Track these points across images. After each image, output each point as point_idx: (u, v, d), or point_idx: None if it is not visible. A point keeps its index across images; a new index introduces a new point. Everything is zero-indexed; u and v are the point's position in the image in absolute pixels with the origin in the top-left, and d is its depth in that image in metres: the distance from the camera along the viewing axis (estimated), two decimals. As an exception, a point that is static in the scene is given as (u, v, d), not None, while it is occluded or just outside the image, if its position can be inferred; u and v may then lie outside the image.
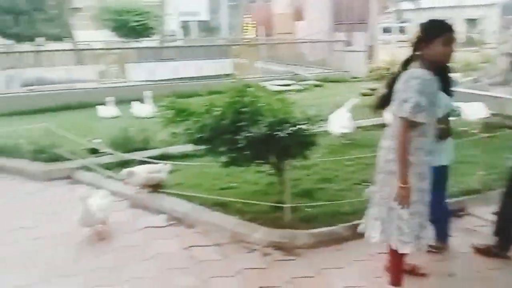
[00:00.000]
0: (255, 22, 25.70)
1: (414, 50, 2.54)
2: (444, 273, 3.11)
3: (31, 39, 19.37)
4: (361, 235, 2.91)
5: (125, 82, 10.75)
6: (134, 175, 4.39)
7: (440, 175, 2.97)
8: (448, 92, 2.95)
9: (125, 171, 4.42)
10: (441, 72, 2.68)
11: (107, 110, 8.57)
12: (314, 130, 3.61)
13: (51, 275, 3.28)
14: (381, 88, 3.32)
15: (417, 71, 2.45)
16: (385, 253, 2.88)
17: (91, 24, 22.94)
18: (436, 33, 2.46)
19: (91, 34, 21.70)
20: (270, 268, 3.27)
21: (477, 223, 3.82)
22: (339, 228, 3.62)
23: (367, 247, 3.15)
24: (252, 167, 3.87)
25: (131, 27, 20.92)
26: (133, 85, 10.76)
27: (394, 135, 2.54)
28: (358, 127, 6.23)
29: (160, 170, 4.59)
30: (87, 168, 5.34)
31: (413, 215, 2.57)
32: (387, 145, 2.62)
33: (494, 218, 3.34)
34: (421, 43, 2.49)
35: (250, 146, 3.34)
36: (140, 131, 6.01)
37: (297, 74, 12.91)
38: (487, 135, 5.21)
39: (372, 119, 6.65)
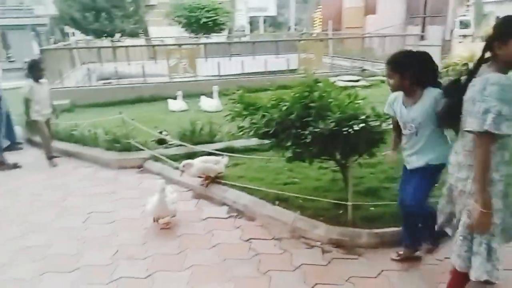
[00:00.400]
0: (322, 16, 25.38)
1: (486, 50, 2.18)
2: None
3: (109, 34, 20.68)
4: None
5: (194, 76, 11.10)
6: (191, 166, 4.50)
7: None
8: None
9: (183, 162, 4.55)
10: None
11: (177, 104, 8.94)
12: (383, 127, 3.49)
13: (122, 257, 3.52)
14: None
15: (493, 76, 2.07)
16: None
17: (164, 20, 23.94)
18: None
19: (164, 30, 22.70)
20: (330, 266, 3.23)
21: None
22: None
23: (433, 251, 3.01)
24: (315, 163, 3.82)
25: (202, 23, 21.57)
26: (201, 80, 11.09)
27: (467, 151, 2.24)
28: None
29: (217, 162, 4.67)
30: (156, 159, 5.62)
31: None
32: (457, 161, 2.33)
33: None
34: (495, 42, 2.12)
35: (316, 141, 3.30)
36: (206, 124, 6.19)
37: (365, 70, 12.54)
38: None
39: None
